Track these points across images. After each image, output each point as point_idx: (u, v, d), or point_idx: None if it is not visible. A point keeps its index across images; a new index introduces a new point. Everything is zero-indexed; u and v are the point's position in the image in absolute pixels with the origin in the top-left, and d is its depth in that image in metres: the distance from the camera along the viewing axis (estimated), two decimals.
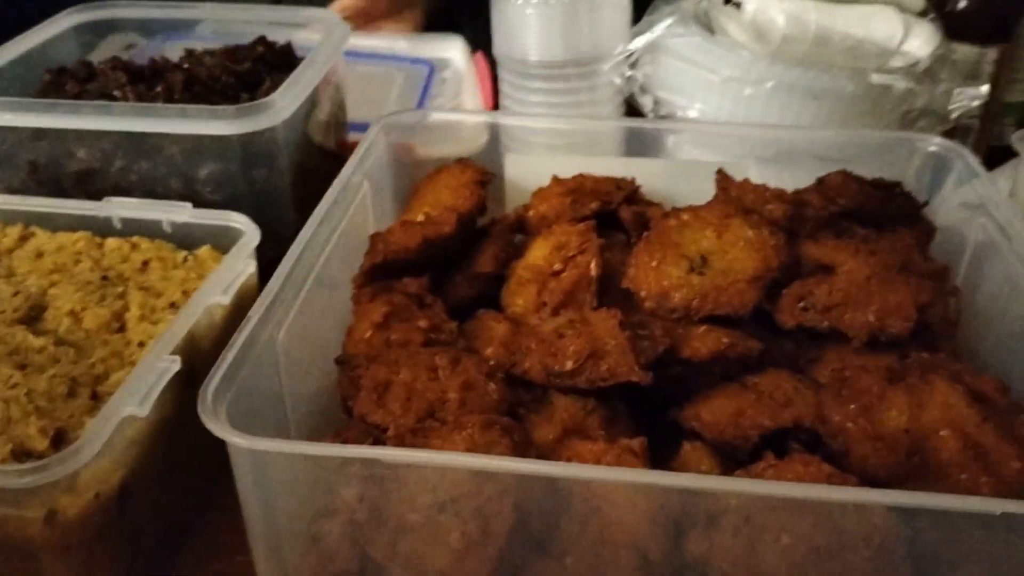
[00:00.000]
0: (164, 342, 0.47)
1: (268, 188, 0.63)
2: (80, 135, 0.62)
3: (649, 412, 0.46)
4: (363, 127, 0.81)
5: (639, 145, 0.71)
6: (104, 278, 0.56)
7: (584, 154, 0.71)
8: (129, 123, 0.60)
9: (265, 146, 0.62)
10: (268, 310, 0.44)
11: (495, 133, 0.71)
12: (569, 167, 0.62)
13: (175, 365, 0.46)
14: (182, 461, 0.49)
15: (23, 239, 0.59)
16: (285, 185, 0.64)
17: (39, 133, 0.62)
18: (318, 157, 0.70)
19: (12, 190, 0.63)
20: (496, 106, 0.92)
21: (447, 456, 0.38)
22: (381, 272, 0.53)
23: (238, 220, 0.58)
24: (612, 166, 0.63)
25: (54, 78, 0.71)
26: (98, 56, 0.81)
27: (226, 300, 0.51)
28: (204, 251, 0.59)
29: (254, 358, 0.42)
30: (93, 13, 0.79)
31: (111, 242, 0.59)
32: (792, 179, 0.61)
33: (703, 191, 0.61)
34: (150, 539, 0.47)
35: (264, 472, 0.38)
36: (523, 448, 0.39)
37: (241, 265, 0.54)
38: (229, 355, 0.40)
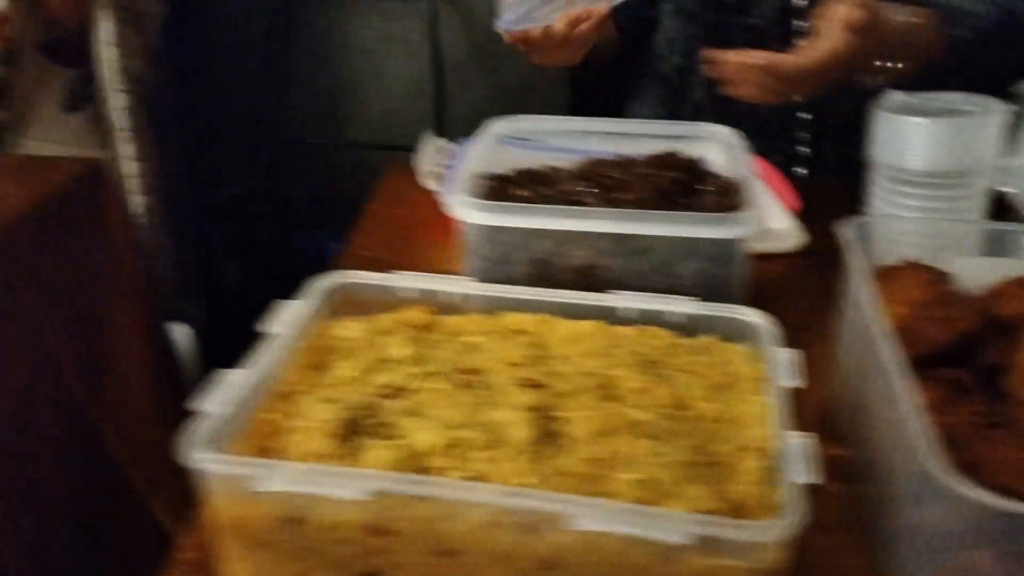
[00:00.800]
0: (778, 419, 0.55)
1: (730, 285, 0.72)
2: (578, 236, 0.71)
3: None
4: None
5: (999, 246, 0.80)
6: (645, 362, 0.64)
7: (952, 254, 0.80)
8: (630, 227, 0.70)
9: (735, 248, 0.71)
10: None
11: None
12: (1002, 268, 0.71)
13: (812, 441, 0.53)
14: None
15: (546, 325, 0.68)
16: (742, 282, 0.73)
17: (541, 233, 0.71)
18: None
19: (512, 283, 0.72)
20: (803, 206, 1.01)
21: None
22: (916, 363, 0.61)
23: (745, 312, 0.66)
24: None
25: (496, 183, 0.81)
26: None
27: (797, 383, 0.59)
28: (708, 339, 0.67)
29: None
30: (507, 126, 0.89)
31: (625, 330, 0.68)
32: None
33: None
34: None
35: None
36: None
37: (780, 353, 0.62)
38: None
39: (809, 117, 1.19)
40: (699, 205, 0.75)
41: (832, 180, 1.19)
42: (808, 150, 1.21)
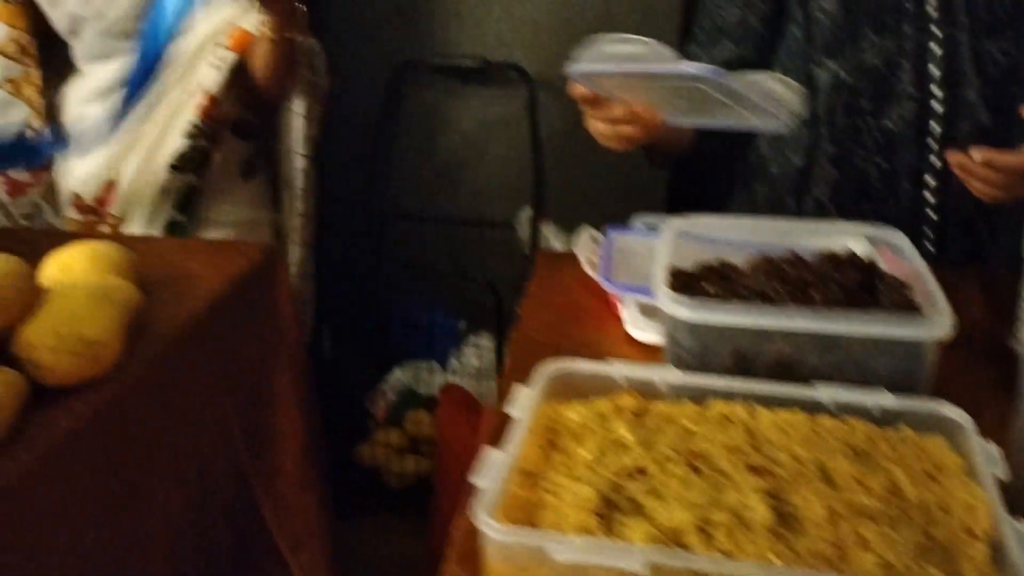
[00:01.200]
0: (995, 507, 0.61)
1: (918, 378, 0.78)
2: (777, 332, 0.77)
3: None
4: None
5: None
6: (854, 451, 0.70)
7: None
8: (832, 326, 0.76)
9: (926, 346, 0.77)
10: None
11: None
12: None
13: None
14: None
15: (751, 414, 0.74)
16: (930, 376, 0.79)
17: (743, 328, 0.78)
18: None
19: (711, 373, 0.79)
20: None
21: None
22: None
23: (942, 407, 0.72)
24: None
25: (685, 278, 0.88)
26: None
27: (1002, 474, 0.65)
28: (906, 431, 0.73)
29: None
30: (685, 224, 0.96)
31: (826, 420, 0.73)
32: None
33: None
34: None
35: None
36: None
37: (984, 444, 0.68)
38: None
39: (936, 217, 1.25)
40: (881, 303, 0.81)
41: (957, 272, 1.24)
42: (933, 248, 1.26)
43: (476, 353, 2.50)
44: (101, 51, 1.36)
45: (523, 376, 0.98)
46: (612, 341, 1.05)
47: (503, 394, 0.97)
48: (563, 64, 2.88)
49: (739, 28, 1.29)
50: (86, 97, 1.40)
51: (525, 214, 2.49)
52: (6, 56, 1.40)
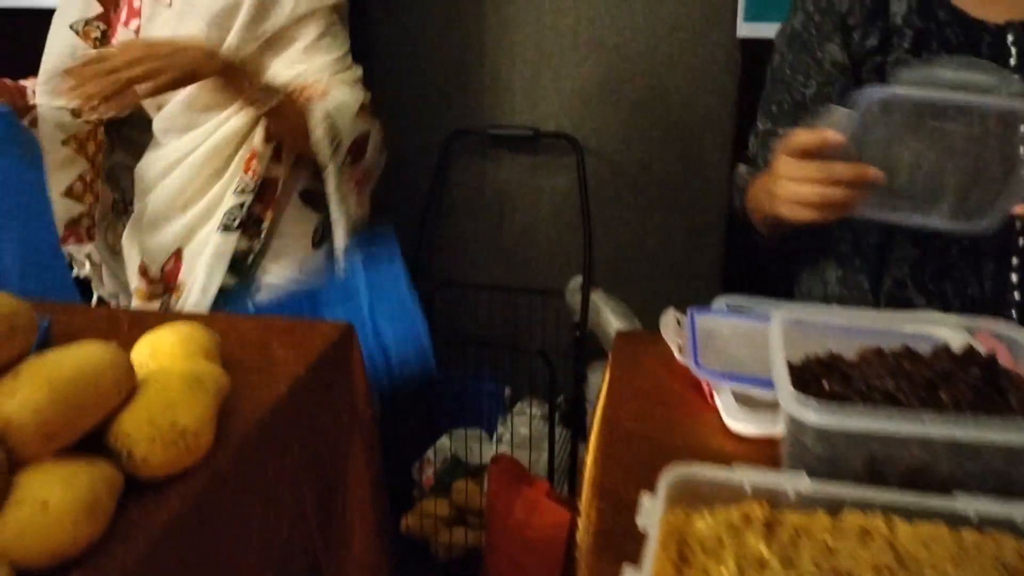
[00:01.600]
0: None
1: None
2: (916, 438, 0.74)
3: None
4: None
5: None
6: (1010, 571, 0.66)
7: None
8: (974, 434, 0.72)
9: None
10: None
11: None
12: None
13: None
14: None
15: (889, 527, 0.71)
16: None
17: (875, 433, 0.74)
18: None
19: (840, 480, 0.75)
20: None
21: None
22: None
23: None
24: None
25: (799, 374, 0.85)
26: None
27: None
28: None
29: None
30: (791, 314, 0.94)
31: (970, 535, 0.70)
32: None
33: None
34: None
35: None
36: None
37: None
38: None
39: (1019, 297, 1.21)
40: (1013, 405, 0.78)
41: None
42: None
43: (524, 422, 2.46)
44: (182, 124, 1.37)
45: (615, 465, 0.95)
46: (707, 431, 1.01)
47: (596, 484, 0.94)
48: (613, 133, 2.86)
49: (818, 102, 1.28)
50: (164, 170, 1.40)
51: (575, 282, 2.47)
52: (77, 116, 1.43)
